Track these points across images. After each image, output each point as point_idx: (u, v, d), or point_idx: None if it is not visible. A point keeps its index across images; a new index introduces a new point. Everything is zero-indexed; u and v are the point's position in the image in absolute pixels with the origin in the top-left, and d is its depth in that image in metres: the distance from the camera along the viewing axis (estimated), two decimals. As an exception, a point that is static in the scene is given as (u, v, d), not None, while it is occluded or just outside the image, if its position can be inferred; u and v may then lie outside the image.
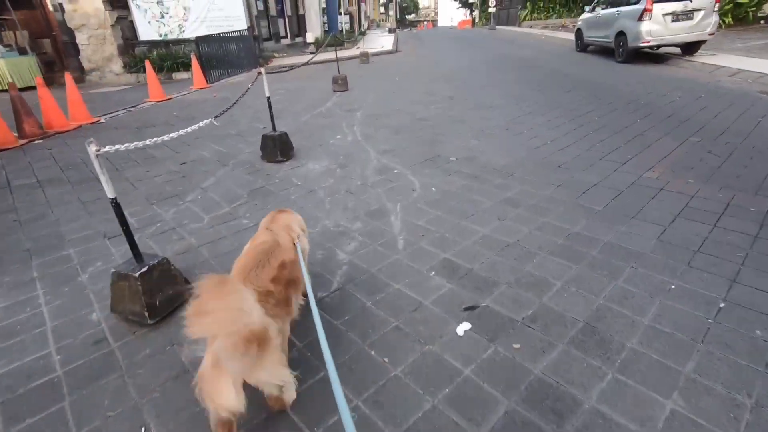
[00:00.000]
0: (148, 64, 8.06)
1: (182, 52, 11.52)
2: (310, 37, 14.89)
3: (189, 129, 2.59)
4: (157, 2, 11.72)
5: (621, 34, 9.33)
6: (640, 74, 8.13)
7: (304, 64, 8.99)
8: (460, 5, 55.89)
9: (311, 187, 3.72)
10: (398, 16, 48.02)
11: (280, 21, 17.34)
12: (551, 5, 26.44)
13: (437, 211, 3.15)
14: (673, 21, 8.45)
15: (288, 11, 17.82)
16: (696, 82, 7.07)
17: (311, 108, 6.86)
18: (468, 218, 3.02)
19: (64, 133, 5.99)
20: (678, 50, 9.48)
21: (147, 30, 12.00)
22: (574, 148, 4.33)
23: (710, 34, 8.59)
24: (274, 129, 4.44)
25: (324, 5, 15.91)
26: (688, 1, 8.34)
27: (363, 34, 23.04)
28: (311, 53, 14.52)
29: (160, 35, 12.07)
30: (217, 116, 3.30)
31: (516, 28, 26.27)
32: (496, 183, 3.60)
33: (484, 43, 16.90)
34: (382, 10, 60.67)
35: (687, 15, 8.44)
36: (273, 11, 16.38)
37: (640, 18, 8.59)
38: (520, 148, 4.46)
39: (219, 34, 11.00)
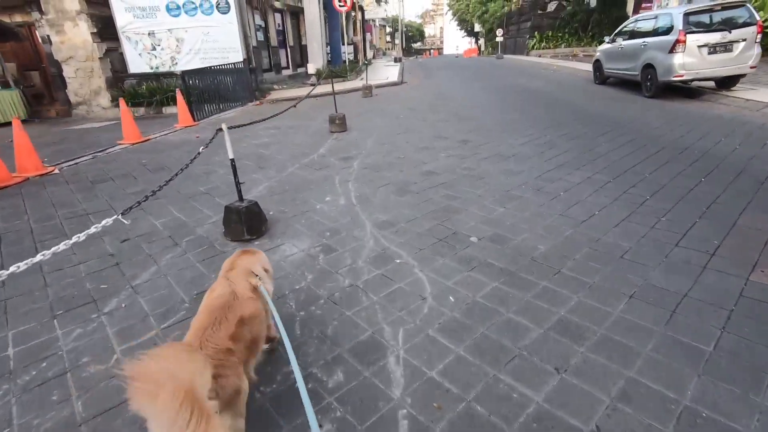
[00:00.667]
0: (122, 103, 7.23)
1: (174, 85, 10.78)
2: (311, 69, 14.24)
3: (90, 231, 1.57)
4: (149, 34, 11.09)
5: (649, 67, 8.52)
6: (677, 112, 7.15)
7: (299, 101, 8.12)
8: (465, 34, 56.29)
9: (280, 291, 2.68)
10: (404, 45, 48.29)
11: (282, 51, 16.80)
12: (560, 34, 26.02)
13: (459, 348, 2.09)
14: (710, 53, 7.66)
15: (290, 41, 17.30)
16: (752, 124, 6.05)
17: (301, 155, 5.91)
18: (507, 366, 1.95)
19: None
20: (712, 84, 8.61)
21: (138, 62, 11.34)
22: (634, 225, 3.27)
23: (752, 67, 7.76)
24: (240, 199, 3.44)
25: (326, 35, 15.33)
26: (727, 32, 7.53)
27: (368, 64, 22.55)
28: (312, 85, 13.81)
29: (152, 68, 11.40)
30: (124, 212, 2.31)
31: (524, 58, 25.76)
32: (541, 287, 2.54)
33: (493, 74, 16.17)
34: (388, 38, 61.32)
35: (726, 47, 7.61)
36: (274, 42, 15.83)
37: (672, 50, 7.77)
38: (561, 221, 3.41)
39: (211, 66, 10.28)
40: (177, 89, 8.55)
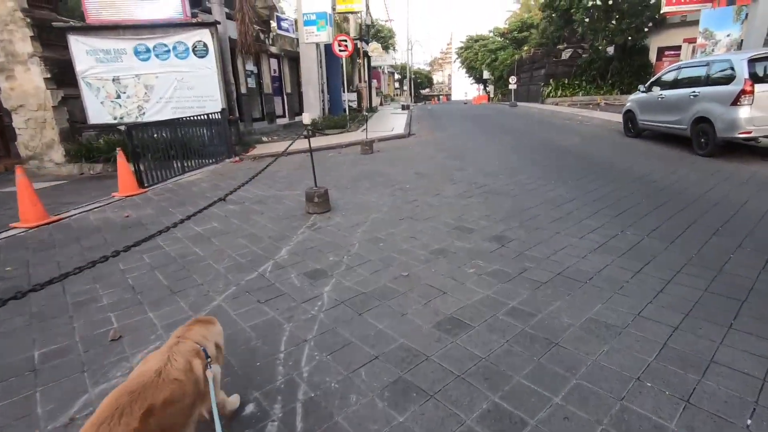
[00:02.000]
0: (19, 171, 5.28)
1: (139, 137, 9.02)
2: (306, 119, 12.53)
3: None
4: (113, 80, 9.49)
5: (703, 121, 7.28)
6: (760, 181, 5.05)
7: (269, 164, 6.21)
8: (473, 81, 56.16)
9: None
10: (412, 92, 47.90)
11: (278, 99, 15.30)
12: (576, 82, 24.72)
13: None
14: None
15: (287, 88, 15.86)
16: None
17: (249, 264, 3.82)
18: None
19: None
20: None
21: (99, 112, 9.69)
22: None
23: None
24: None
25: (324, 82, 13.80)
26: None
27: (370, 113, 21.13)
28: (305, 136, 12.04)
29: (115, 118, 9.72)
30: None
31: (540, 106, 24.32)
32: None
33: (512, 125, 14.38)
34: (396, 85, 61.58)
35: None
36: (269, 89, 14.35)
37: (736, 102, 6.58)
38: None
39: (182, 118, 8.52)
40: (118, 149, 6.68)
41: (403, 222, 4.74)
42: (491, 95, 44.63)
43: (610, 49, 23.95)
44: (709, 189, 5.38)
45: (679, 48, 20.96)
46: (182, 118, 8.61)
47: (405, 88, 52.23)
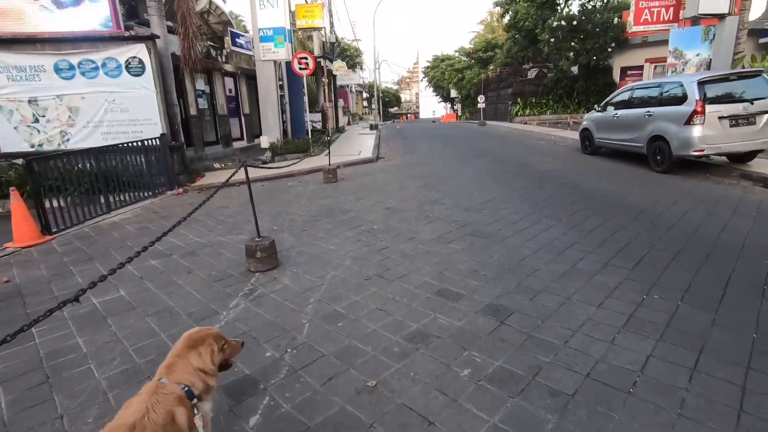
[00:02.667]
0: None
1: (57, 169, 7.64)
2: (264, 142, 11.47)
3: None
4: (29, 101, 8.10)
5: (658, 139, 7.66)
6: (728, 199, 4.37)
7: (208, 198, 5.07)
8: (441, 99, 56.64)
9: None
10: (381, 110, 47.48)
11: (234, 120, 14.10)
12: (543, 101, 24.78)
13: None
14: (731, 126, 6.87)
15: (245, 108, 14.69)
16: None
17: (146, 369, 2.65)
18: None
19: None
20: (724, 158, 7.79)
21: (12, 139, 8.25)
22: None
23: None
24: None
25: (282, 102, 12.67)
26: (749, 103, 6.81)
27: (340, 131, 20.18)
28: (264, 163, 10.92)
29: (33, 146, 8.30)
30: None
31: (509, 124, 24.17)
32: None
33: (485, 146, 13.75)
34: (365, 104, 61.28)
35: (748, 119, 6.86)
36: (223, 110, 13.14)
37: (689, 122, 6.96)
38: None
39: (108, 146, 7.24)
40: (12, 188, 5.35)
41: (369, 284, 3.69)
42: (459, 113, 44.84)
43: (575, 69, 24.21)
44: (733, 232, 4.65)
45: (641, 68, 21.31)
46: (114, 145, 7.34)
47: (373, 106, 51.90)
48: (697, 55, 11.83)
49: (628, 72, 22.41)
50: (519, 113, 25.07)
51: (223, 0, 14.63)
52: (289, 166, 7.86)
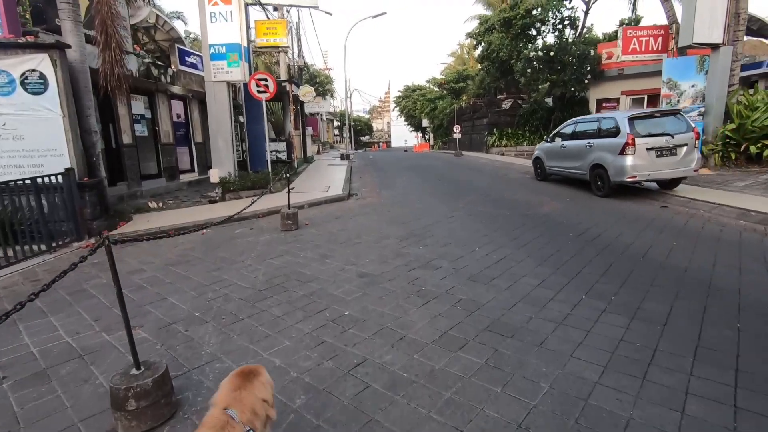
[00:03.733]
0: None
1: None
2: (213, 176, 9.65)
3: None
4: None
5: (598, 167, 8.60)
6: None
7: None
8: (412, 129, 56.37)
9: None
10: (352, 139, 46.22)
11: (183, 150, 12.22)
12: (519, 132, 24.18)
13: None
14: (657, 156, 7.85)
15: (196, 137, 12.86)
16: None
17: None
18: None
19: None
20: (654, 185, 8.87)
21: None
22: None
23: (695, 171, 8.05)
24: None
25: (237, 130, 10.85)
26: (670, 137, 7.78)
27: (308, 161, 18.53)
28: (211, 201, 9.06)
29: None
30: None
31: (486, 155, 23.34)
32: None
33: (468, 180, 12.42)
34: (336, 132, 60.28)
35: (671, 151, 7.85)
36: (168, 137, 11.27)
37: (623, 152, 7.88)
38: None
39: (4, 183, 5.30)
40: None
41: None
42: (432, 143, 44.31)
43: (549, 100, 23.83)
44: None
45: (617, 100, 21.02)
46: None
47: (345, 135, 50.86)
48: (693, 86, 11.09)
49: (604, 104, 22.15)
50: (495, 144, 24.34)
51: (183, 21, 13.03)
52: (245, 207, 6.06)
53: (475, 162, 19.46)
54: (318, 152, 30.12)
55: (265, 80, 9.75)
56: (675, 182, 8.40)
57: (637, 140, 7.71)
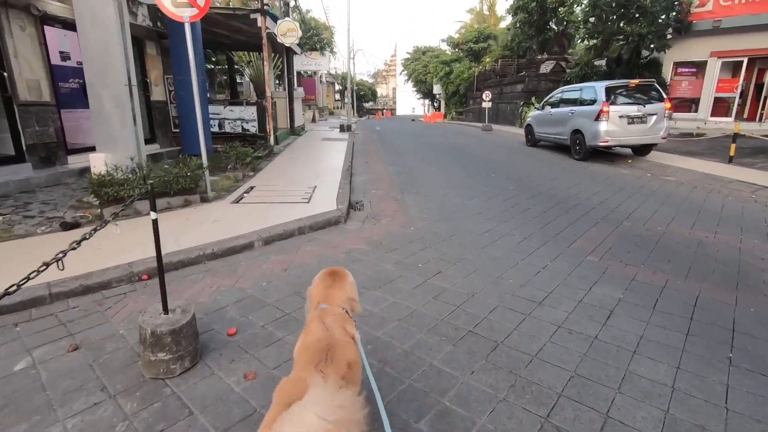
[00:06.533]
0: None
1: None
2: (96, 165, 5.03)
3: None
4: None
5: (577, 132, 9.27)
6: None
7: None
8: (421, 96, 50.73)
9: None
10: (354, 105, 40.66)
11: (76, 114, 7.50)
12: (565, 102, 19.23)
13: None
14: (629, 123, 8.43)
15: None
16: None
17: None
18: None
19: None
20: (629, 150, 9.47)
21: None
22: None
23: (663, 138, 8.64)
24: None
25: (132, 75, 5.75)
26: (641, 106, 8.39)
27: (296, 134, 13.66)
28: (66, 225, 4.47)
29: None
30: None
31: (520, 130, 18.47)
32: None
33: (515, 169, 7.79)
34: (337, 96, 54.60)
35: (641, 119, 8.40)
36: (39, 92, 6.56)
37: (597, 118, 8.48)
38: None
39: None
40: None
41: None
42: (445, 113, 39.05)
43: (602, 63, 18.69)
44: None
45: (703, 64, 15.96)
46: None
47: (346, 100, 45.41)
48: None
49: (678, 70, 17.06)
50: (534, 116, 19.46)
51: None
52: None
53: (515, 139, 14.66)
54: (314, 120, 25.10)
55: (190, -17, 4.97)
56: (646, 148, 9.21)
57: (611, 108, 8.43)
